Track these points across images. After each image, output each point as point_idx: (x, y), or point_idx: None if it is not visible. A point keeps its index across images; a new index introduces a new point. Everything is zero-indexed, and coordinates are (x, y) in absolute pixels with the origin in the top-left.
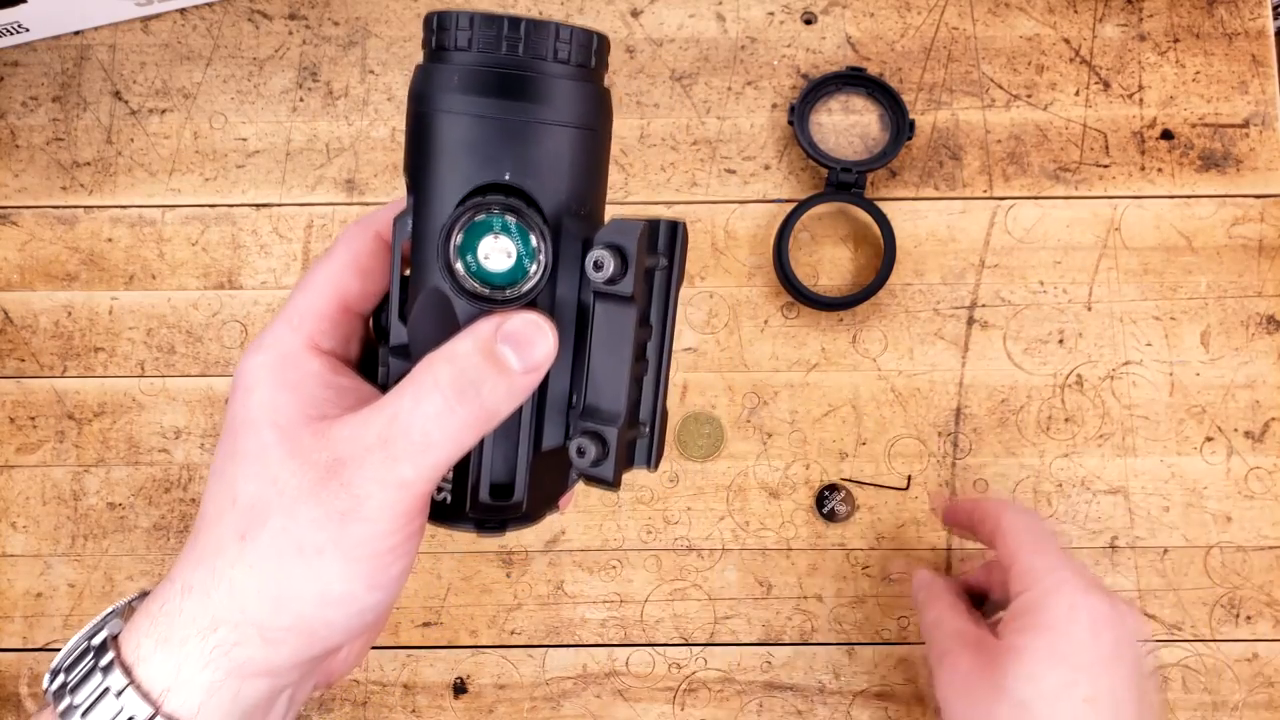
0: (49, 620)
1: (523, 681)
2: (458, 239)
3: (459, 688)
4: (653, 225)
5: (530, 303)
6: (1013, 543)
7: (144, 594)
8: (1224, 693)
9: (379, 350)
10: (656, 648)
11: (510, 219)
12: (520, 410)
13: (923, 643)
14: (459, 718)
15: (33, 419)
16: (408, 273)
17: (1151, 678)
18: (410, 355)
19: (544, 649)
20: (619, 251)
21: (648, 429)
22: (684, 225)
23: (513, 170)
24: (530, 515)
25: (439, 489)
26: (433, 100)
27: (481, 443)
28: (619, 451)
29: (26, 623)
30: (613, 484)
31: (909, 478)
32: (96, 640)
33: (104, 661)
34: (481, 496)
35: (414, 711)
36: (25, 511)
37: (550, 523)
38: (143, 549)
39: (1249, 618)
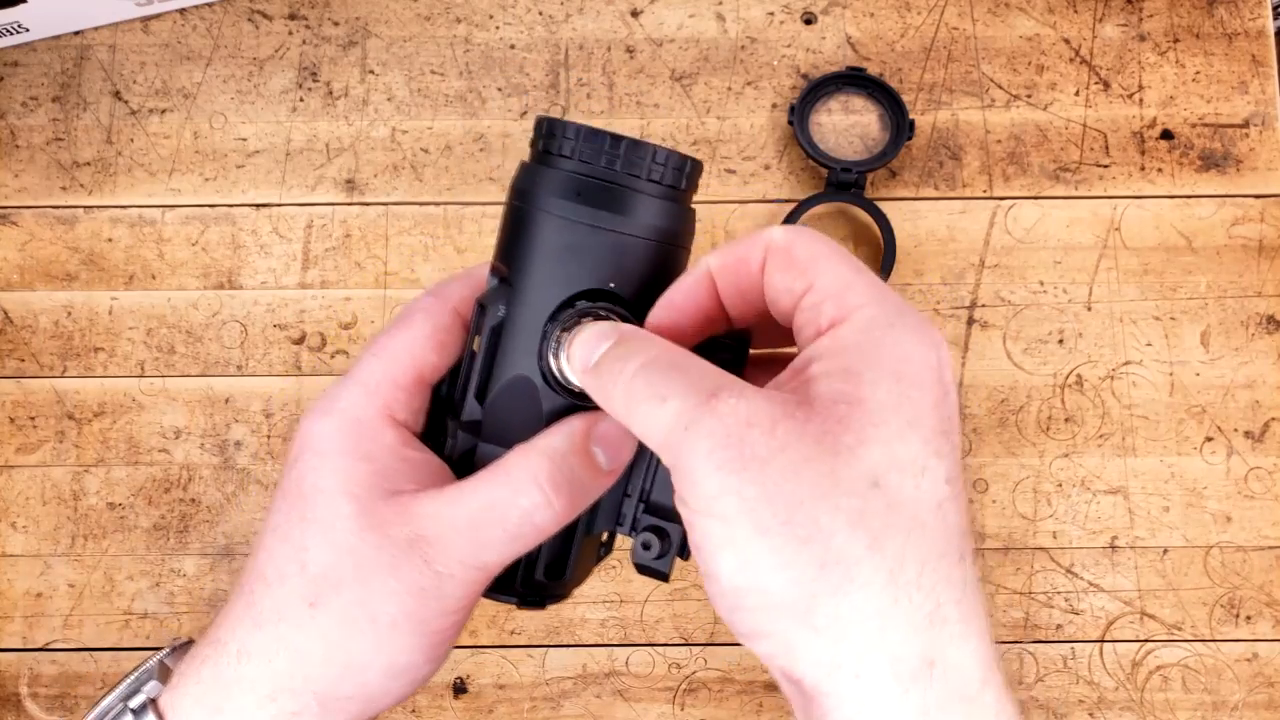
0: (49, 620)
1: (523, 681)
2: (560, 337)
3: (459, 688)
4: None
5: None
6: (803, 257)
7: (175, 648)
8: (1224, 693)
9: (447, 423)
10: (656, 648)
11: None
12: None
13: None
14: (459, 718)
15: (33, 419)
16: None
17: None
18: (482, 433)
19: (544, 649)
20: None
21: None
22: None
23: (614, 279)
24: (567, 593)
25: None
26: (536, 199)
27: None
28: (677, 547)
29: (26, 623)
30: (666, 577)
31: None
32: (135, 702)
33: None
34: (537, 575)
35: (414, 711)
36: (25, 511)
37: None
38: (143, 549)
39: (1249, 618)
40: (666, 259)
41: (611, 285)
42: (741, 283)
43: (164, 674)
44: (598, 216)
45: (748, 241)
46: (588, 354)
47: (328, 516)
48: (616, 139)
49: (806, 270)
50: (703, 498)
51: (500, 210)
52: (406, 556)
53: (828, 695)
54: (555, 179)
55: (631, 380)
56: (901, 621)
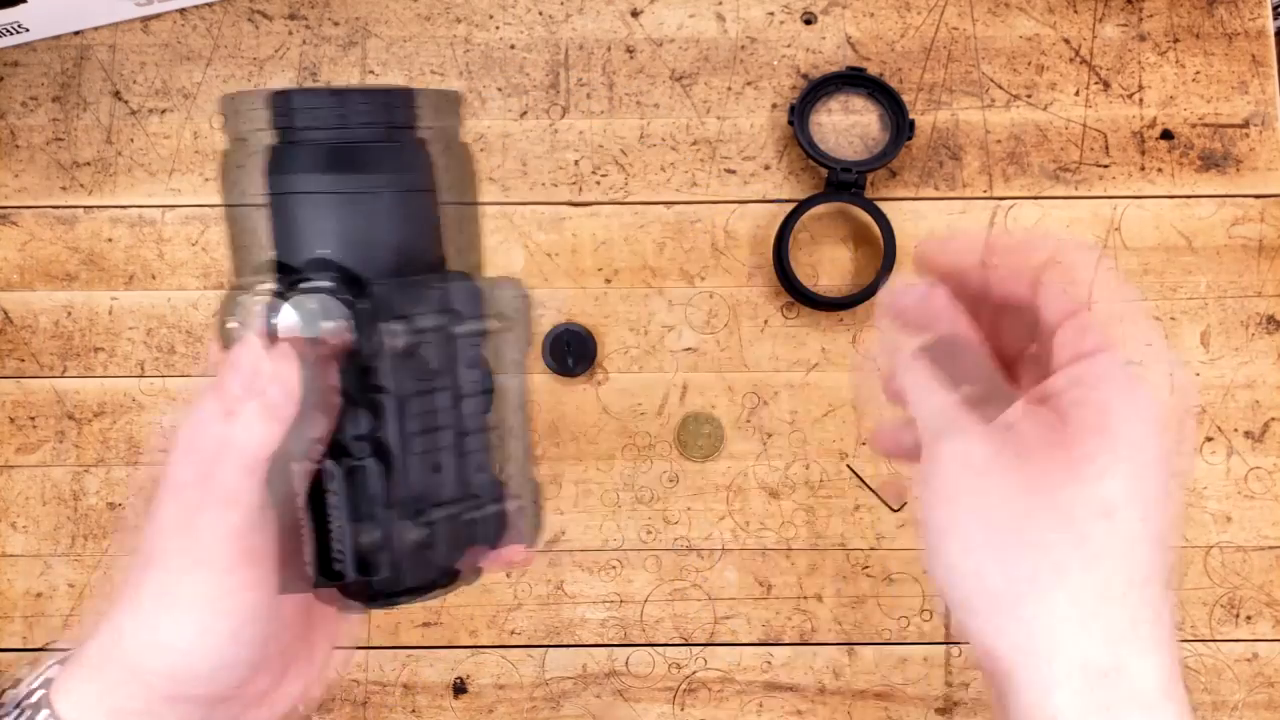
0: (49, 620)
1: (523, 681)
2: (272, 305)
3: (459, 688)
4: (471, 289)
5: (359, 368)
6: (1083, 278)
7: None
8: (1224, 693)
9: None
10: (656, 648)
11: (312, 295)
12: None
13: None
14: (459, 718)
15: (33, 419)
16: None
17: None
18: None
19: (544, 649)
20: (408, 323)
21: (491, 503)
22: (522, 290)
23: (330, 244)
24: (421, 588)
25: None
26: (268, 186)
27: (329, 521)
28: (397, 542)
29: (26, 623)
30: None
31: (904, 503)
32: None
33: (35, 698)
34: (346, 573)
35: (414, 711)
36: (25, 511)
37: (550, 523)
38: None
39: (1249, 618)
40: (401, 204)
41: (326, 252)
42: (1010, 268)
43: None
44: (279, 183)
45: (1033, 237)
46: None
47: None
48: (284, 94)
49: (1077, 295)
50: (949, 488)
51: (498, 210)
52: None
53: (1020, 677)
54: (257, 160)
55: (916, 360)
56: (1099, 630)
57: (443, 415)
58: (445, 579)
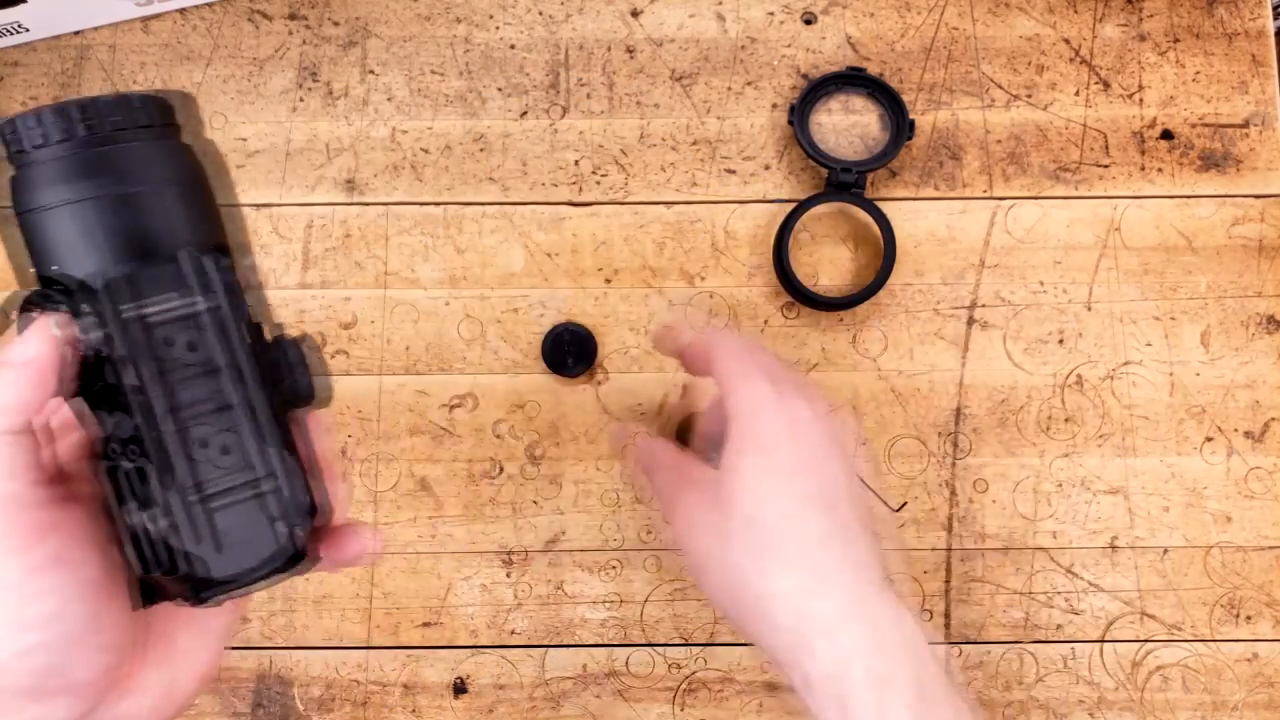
0: None
1: (523, 681)
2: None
3: (459, 688)
4: (164, 271)
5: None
6: (723, 372)
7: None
8: (1224, 693)
9: None
10: (656, 648)
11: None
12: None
13: None
14: (459, 718)
15: None
16: None
17: (855, 472)
18: None
19: (544, 649)
20: (99, 318)
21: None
22: (214, 260)
23: (57, 260)
24: (244, 574)
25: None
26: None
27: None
28: (184, 530)
29: None
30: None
31: (904, 503)
32: None
33: None
34: (150, 569)
35: (414, 711)
36: None
37: (550, 523)
38: None
39: (1249, 618)
40: (93, 213)
41: (54, 267)
42: (694, 368)
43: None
44: (20, 201)
45: (683, 339)
46: None
47: None
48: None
49: (707, 359)
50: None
51: (497, 210)
52: None
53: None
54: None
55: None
56: (809, 601)
57: (201, 397)
58: (273, 562)
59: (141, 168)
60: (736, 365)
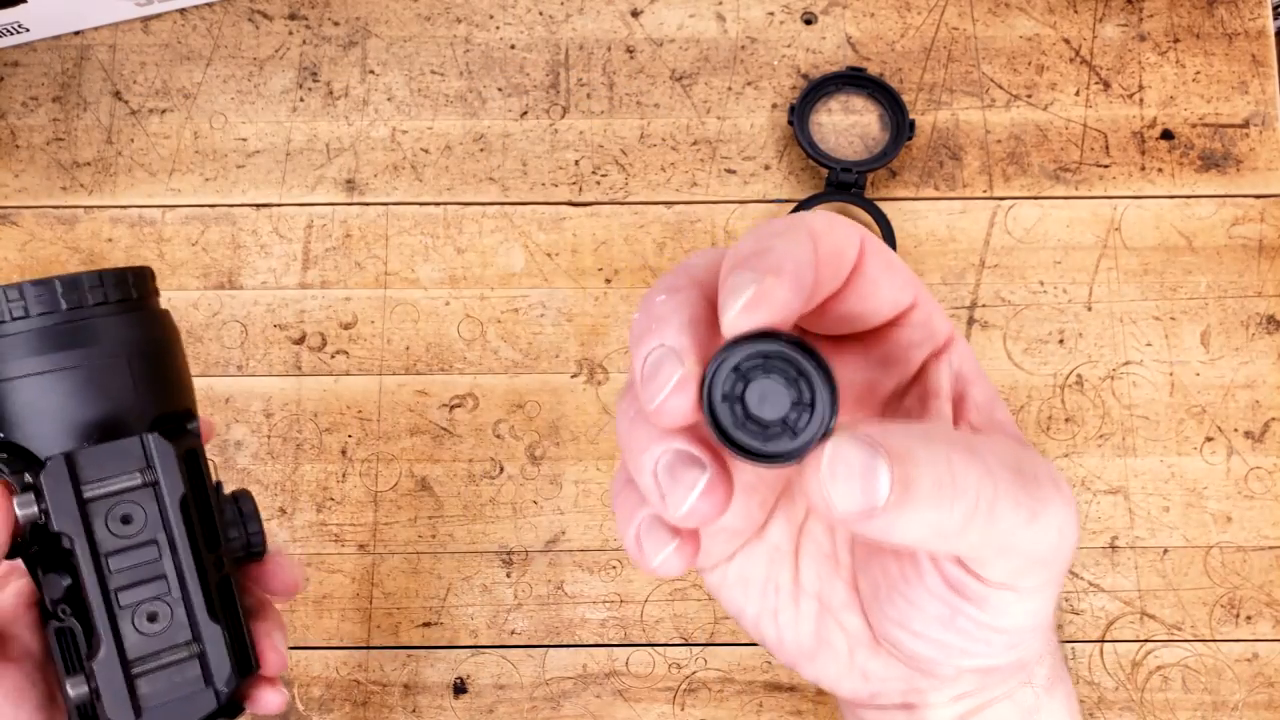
0: None
1: (523, 681)
2: None
3: (459, 688)
4: (109, 450)
5: (63, 551)
6: (899, 266)
7: None
8: (1224, 693)
9: None
10: (656, 648)
11: None
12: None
13: None
14: (459, 718)
15: None
16: None
17: None
18: None
19: (544, 649)
20: (38, 494)
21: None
22: (162, 441)
23: (5, 428)
24: None
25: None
26: None
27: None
28: (107, 695)
29: None
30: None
31: None
32: None
33: None
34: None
35: (414, 711)
36: None
37: (550, 523)
38: None
39: (1249, 618)
40: (84, 383)
41: (1, 435)
42: (829, 270)
43: None
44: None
45: (838, 228)
46: (865, 488)
47: None
48: None
49: (911, 282)
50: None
51: (497, 210)
52: None
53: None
54: None
55: (976, 504)
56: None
57: (132, 565)
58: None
59: (110, 341)
60: (927, 295)
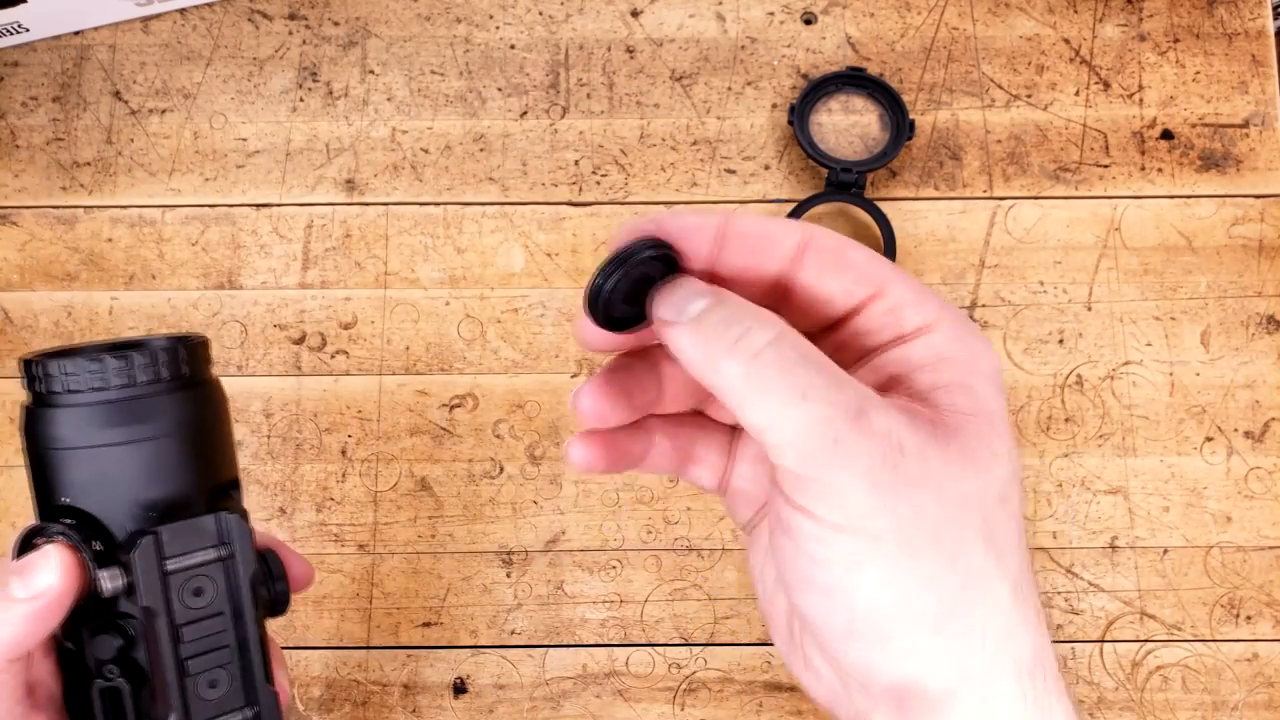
0: None
1: (523, 681)
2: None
3: (459, 688)
4: (188, 527)
5: (115, 614)
6: (860, 262)
7: None
8: (1224, 693)
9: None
10: (656, 648)
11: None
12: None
13: None
14: (459, 718)
15: None
16: None
17: None
18: None
19: (544, 649)
20: (126, 568)
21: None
22: (236, 518)
23: (67, 493)
24: None
25: None
26: (24, 443)
27: None
28: None
29: None
30: None
31: None
32: None
33: None
34: None
35: (414, 711)
36: (25, 512)
37: (550, 523)
38: None
39: (1249, 618)
40: (133, 458)
41: (65, 500)
42: (751, 259)
43: None
44: (32, 441)
45: (772, 225)
46: (680, 305)
47: None
48: (32, 360)
49: (871, 277)
50: (853, 515)
51: (497, 210)
52: None
53: (954, 699)
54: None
55: (757, 360)
56: (1021, 625)
57: (200, 635)
58: None
59: (173, 415)
60: (904, 272)
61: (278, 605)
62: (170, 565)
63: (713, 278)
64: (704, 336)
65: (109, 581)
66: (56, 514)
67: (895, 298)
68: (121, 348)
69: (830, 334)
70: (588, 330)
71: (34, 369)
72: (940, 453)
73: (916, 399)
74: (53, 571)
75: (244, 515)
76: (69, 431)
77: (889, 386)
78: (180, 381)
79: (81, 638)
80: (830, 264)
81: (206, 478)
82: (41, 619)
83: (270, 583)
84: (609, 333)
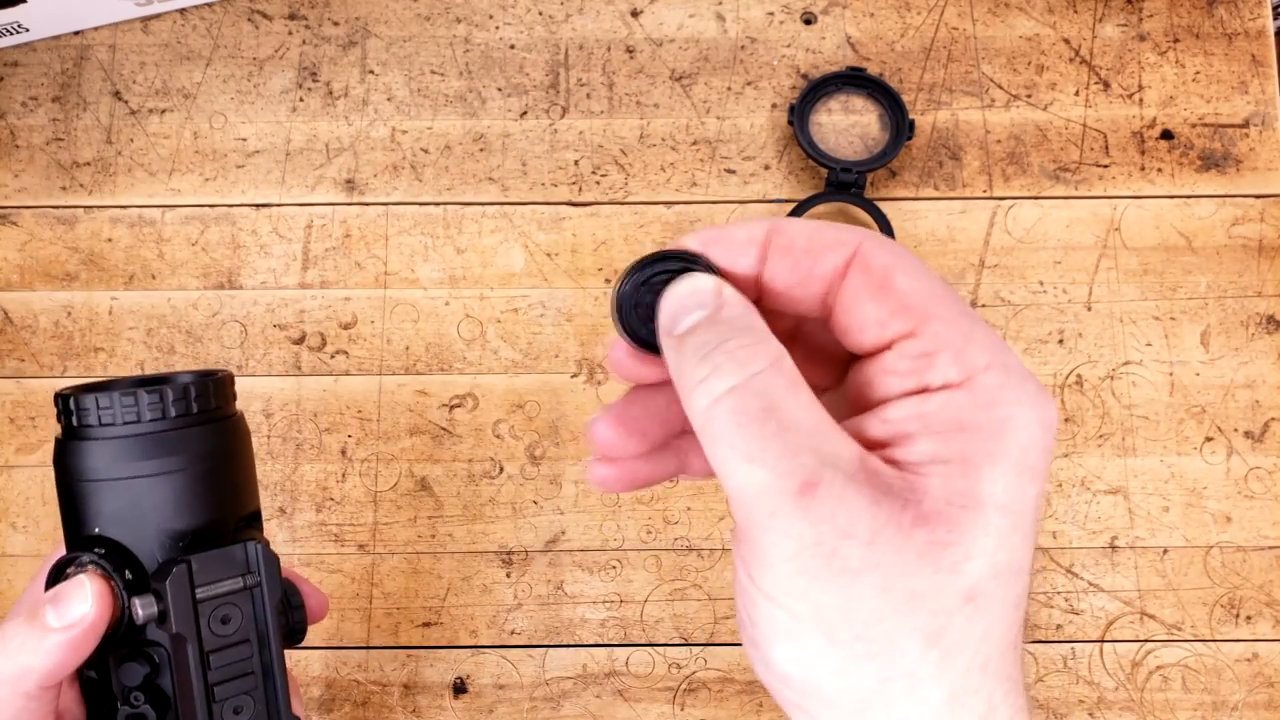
0: None
1: (523, 681)
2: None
3: (459, 688)
4: (217, 556)
5: (142, 641)
6: (908, 290)
7: None
8: (1224, 693)
9: None
10: (656, 648)
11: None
12: None
13: None
14: (459, 718)
15: (33, 419)
16: None
17: None
18: None
19: (544, 649)
20: (159, 596)
21: None
22: (262, 548)
23: (100, 524)
24: None
25: None
26: (56, 474)
27: None
28: None
29: None
30: None
31: None
32: None
33: None
34: None
35: (414, 711)
36: (25, 512)
37: (550, 523)
38: None
39: (1249, 618)
40: (158, 489)
41: (96, 530)
42: (796, 274)
43: None
44: (63, 472)
45: (820, 236)
46: (677, 314)
47: None
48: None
49: (913, 309)
50: (773, 589)
51: (497, 210)
52: None
53: None
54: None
55: (716, 406)
56: None
57: (227, 663)
58: None
59: (203, 448)
60: (930, 289)
61: (295, 634)
62: (200, 593)
63: (761, 292)
64: (679, 361)
65: (143, 609)
66: (86, 544)
67: (933, 341)
68: (150, 383)
69: (865, 363)
70: (618, 355)
71: (68, 403)
72: (897, 542)
73: (907, 470)
74: (86, 600)
75: (266, 545)
76: (102, 463)
77: (891, 444)
78: (209, 415)
79: (107, 666)
80: (870, 287)
81: (233, 508)
82: (75, 647)
83: (290, 612)
84: (638, 357)
